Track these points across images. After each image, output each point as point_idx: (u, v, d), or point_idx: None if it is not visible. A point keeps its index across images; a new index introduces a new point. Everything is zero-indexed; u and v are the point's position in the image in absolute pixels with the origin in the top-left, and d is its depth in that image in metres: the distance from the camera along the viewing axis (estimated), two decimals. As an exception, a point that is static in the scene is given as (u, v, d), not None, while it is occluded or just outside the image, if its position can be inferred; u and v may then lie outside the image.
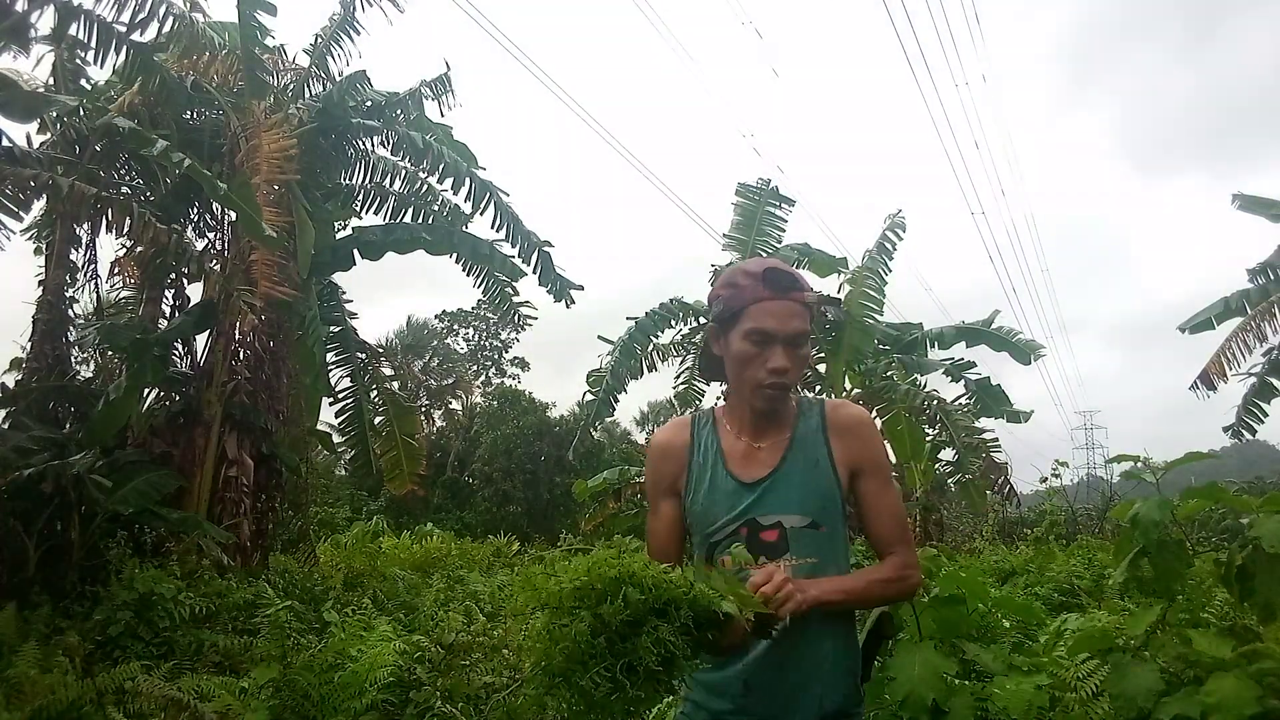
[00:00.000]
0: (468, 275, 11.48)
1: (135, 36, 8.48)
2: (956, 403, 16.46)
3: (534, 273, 11.11)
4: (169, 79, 9.04)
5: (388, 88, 11.10)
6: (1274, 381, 14.91)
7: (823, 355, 16.62)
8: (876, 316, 16.41)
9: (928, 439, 16.59)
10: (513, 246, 10.98)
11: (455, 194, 10.85)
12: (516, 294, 11.69)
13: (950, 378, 17.30)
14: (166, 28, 8.71)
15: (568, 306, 11.24)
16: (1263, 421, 14.99)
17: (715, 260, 16.20)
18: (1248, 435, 15.31)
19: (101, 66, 8.55)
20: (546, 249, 11.02)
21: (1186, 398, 14.77)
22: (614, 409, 16.43)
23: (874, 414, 16.53)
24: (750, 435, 1.87)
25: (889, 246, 16.77)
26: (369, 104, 10.73)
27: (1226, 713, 2.12)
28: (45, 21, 7.88)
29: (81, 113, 8.69)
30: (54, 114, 8.31)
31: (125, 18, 8.29)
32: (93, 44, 8.17)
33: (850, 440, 1.84)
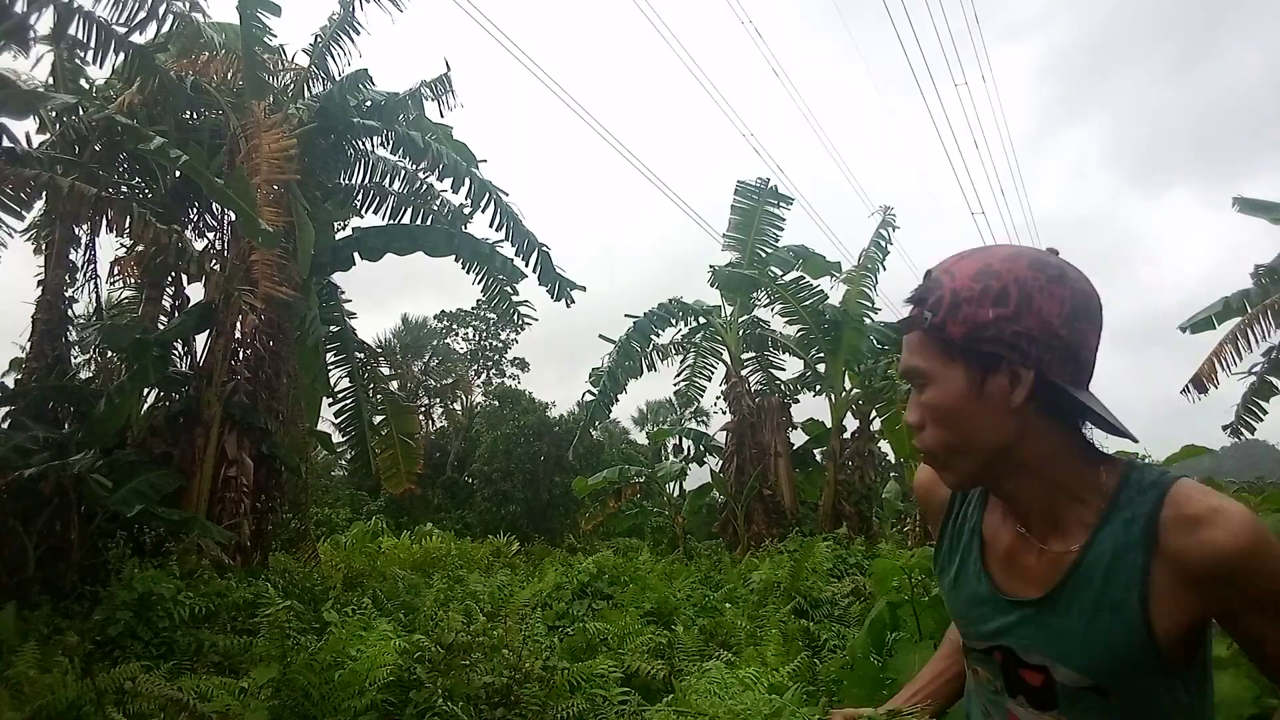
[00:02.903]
0: (468, 273, 11.50)
1: (135, 37, 8.48)
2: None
3: (534, 272, 11.13)
4: (167, 80, 9.04)
5: (388, 88, 11.12)
6: (1274, 380, 14.95)
7: (821, 355, 16.68)
8: (872, 315, 16.50)
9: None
10: (512, 246, 10.99)
11: (455, 193, 10.88)
12: (516, 293, 11.70)
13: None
14: (166, 27, 8.70)
15: (568, 306, 11.27)
16: (1261, 420, 15.06)
17: (715, 260, 16.21)
18: (1246, 434, 15.37)
19: (100, 66, 8.56)
20: (545, 249, 11.05)
21: (1185, 400, 14.85)
22: (610, 410, 16.48)
23: (873, 413, 16.60)
24: (1022, 523, 1.23)
25: (882, 244, 16.84)
26: (369, 104, 10.73)
27: (1224, 711, 2.12)
28: (44, 22, 7.88)
29: (80, 111, 8.68)
30: (53, 113, 8.30)
31: (124, 18, 8.28)
32: (92, 44, 8.16)
33: (1209, 586, 1.09)
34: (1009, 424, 1.15)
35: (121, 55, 8.25)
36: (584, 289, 11.31)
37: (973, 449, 1.18)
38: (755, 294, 16.54)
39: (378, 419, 11.65)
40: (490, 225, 10.86)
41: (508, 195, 10.75)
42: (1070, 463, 1.17)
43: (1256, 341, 14.21)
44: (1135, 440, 1.18)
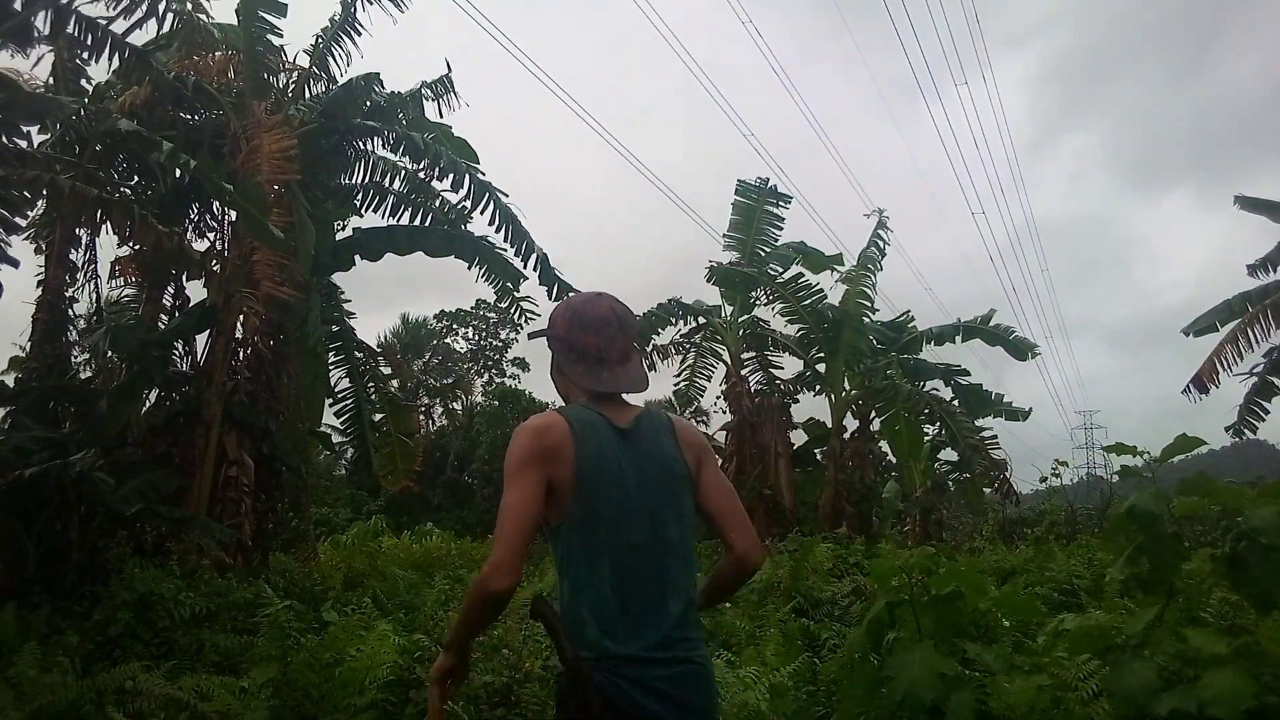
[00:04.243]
0: (470, 269, 11.55)
1: (133, 37, 8.47)
2: (953, 403, 16.59)
3: (533, 270, 11.19)
4: (163, 81, 9.03)
5: (388, 87, 11.10)
6: (1276, 381, 14.98)
7: (822, 355, 16.70)
8: (871, 315, 16.58)
9: (926, 438, 16.69)
10: (511, 247, 11.05)
11: (455, 192, 10.93)
12: (517, 289, 11.74)
13: (943, 381, 17.42)
14: (165, 26, 8.69)
15: (567, 306, 11.28)
16: (1263, 419, 15.12)
17: (716, 258, 16.25)
18: (1248, 433, 15.42)
19: (96, 63, 8.58)
20: (544, 252, 11.13)
21: (1185, 402, 14.92)
22: None
23: (872, 414, 16.65)
24: None
25: (879, 245, 16.95)
26: (368, 105, 10.75)
27: (1223, 706, 2.12)
28: (42, 22, 7.85)
29: (82, 113, 8.68)
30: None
31: (122, 17, 8.27)
32: (89, 43, 8.15)
33: None
34: (561, 384, 2.18)
35: (118, 56, 8.24)
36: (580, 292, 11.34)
37: (561, 398, 2.20)
38: (754, 292, 16.57)
39: (378, 417, 11.67)
40: (489, 225, 10.92)
41: (507, 196, 10.80)
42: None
43: (1256, 342, 14.25)
44: (613, 390, 2.10)
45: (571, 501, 1.90)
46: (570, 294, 2.42)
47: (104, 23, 8.11)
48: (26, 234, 9.30)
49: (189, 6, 9.07)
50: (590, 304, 2.16)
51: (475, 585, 1.87)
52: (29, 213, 7.61)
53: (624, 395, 2.13)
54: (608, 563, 1.89)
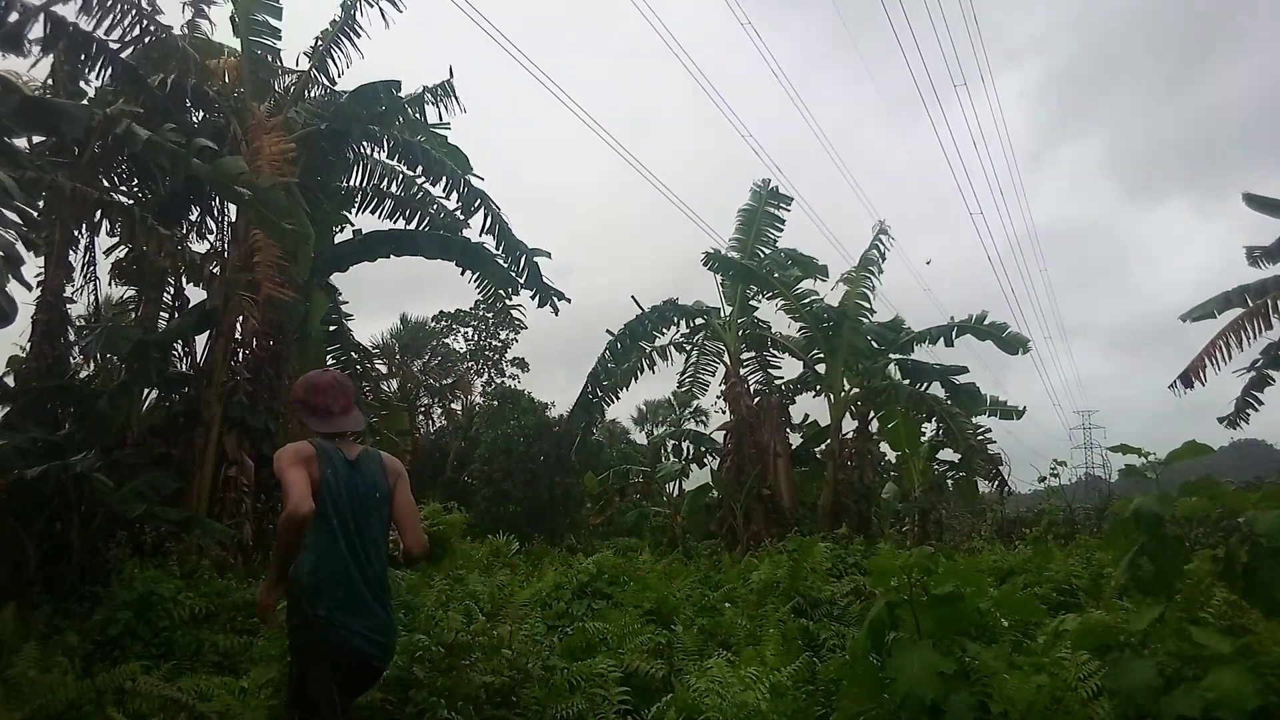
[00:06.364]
0: (463, 273, 11.63)
1: (123, 44, 8.47)
2: (949, 402, 16.66)
3: (520, 274, 11.28)
4: (155, 97, 9.02)
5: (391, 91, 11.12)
6: (1273, 374, 15.02)
7: (821, 356, 16.75)
8: (869, 316, 16.66)
9: (924, 437, 16.73)
10: (503, 253, 11.14)
11: (448, 198, 11.02)
12: (508, 298, 11.87)
13: (939, 383, 17.49)
14: (147, 41, 8.71)
15: (555, 314, 11.44)
16: (1257, 410, 15.17)
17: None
18: (1243, 424, 15.48)
19: (90, 72, 8.60)
20: (536, 258, 11.19)
21: (1183, 403, 14.98)
22: (598, 414, 16.64)
23: (871, 414, 16.71)
24: None
25: (879, 249, 17.08)
26: (378, 110, 10.78)
27: (1228, 708, 2.11)
28: (38, 29, 7.85)
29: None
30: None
31: (115, 34, 8.29)
32: (82, 56, 8.16)
33: None
34: (303, 435, 3.12)
35: (110, 69, 8.25)
36: (569, 300, 11.49)
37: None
38: (752, 286, 16.63)
39: (374, 419, 11.72)
40: (481, 232, 11.07)
41: (498, 208, 10.90)
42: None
43: (1248, 339, 14.25)
44: (339, 431, 3.13)
45: (317, 503, 2.79)
46: (311, 373, 3.35)
47: (99, 37, 8.12)
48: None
49: (189, 15, 9.07)
50: (319, 375, 3.23)
51: (287, 517, 2.72)
52: (36, 217, 7.59)
53: (351, 435, 3.13)
54: (340, 546, 2.88)
